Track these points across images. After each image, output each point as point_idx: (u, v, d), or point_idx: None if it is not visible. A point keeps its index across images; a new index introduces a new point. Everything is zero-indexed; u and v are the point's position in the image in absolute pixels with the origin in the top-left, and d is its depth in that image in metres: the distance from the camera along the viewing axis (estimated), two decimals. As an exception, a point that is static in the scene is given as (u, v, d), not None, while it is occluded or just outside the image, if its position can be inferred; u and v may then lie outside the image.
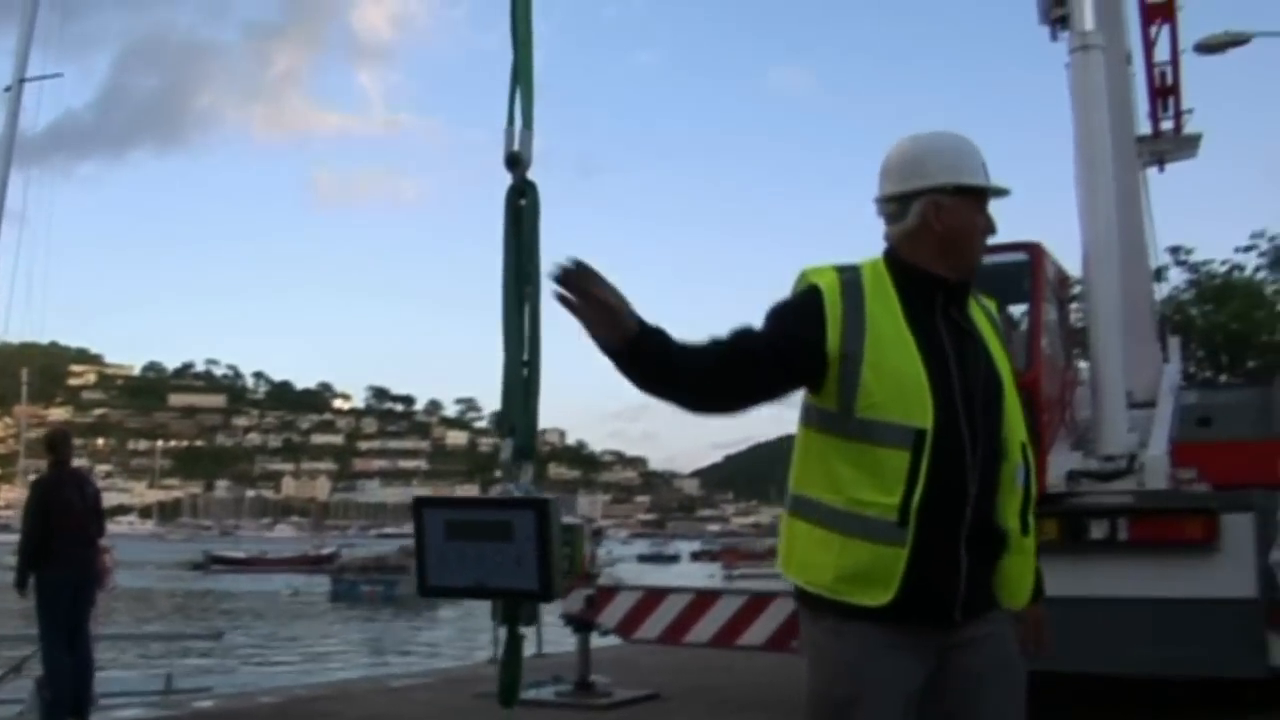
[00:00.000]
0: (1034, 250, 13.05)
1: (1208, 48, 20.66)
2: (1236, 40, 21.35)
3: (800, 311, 3.32)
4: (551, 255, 3.55)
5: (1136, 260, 12.84)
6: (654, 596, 10.31)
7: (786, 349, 3.27)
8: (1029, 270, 12.87)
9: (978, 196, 3.45)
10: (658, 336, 3.12)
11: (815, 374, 3.30)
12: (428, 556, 3.81)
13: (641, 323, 3.09)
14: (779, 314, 3.34)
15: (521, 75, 3.99)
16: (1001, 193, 3.49)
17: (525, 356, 3.88)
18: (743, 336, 3.25)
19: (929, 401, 3.25)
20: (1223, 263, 26.81)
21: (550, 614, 9.85)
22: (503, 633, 3.94)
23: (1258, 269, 26.80)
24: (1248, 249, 26.51)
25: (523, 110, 3.96)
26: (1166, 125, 15.50)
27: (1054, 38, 12.53)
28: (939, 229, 3.39)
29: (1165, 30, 15.13)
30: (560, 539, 3.66)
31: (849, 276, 3.38)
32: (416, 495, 3.93)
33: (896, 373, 3.26)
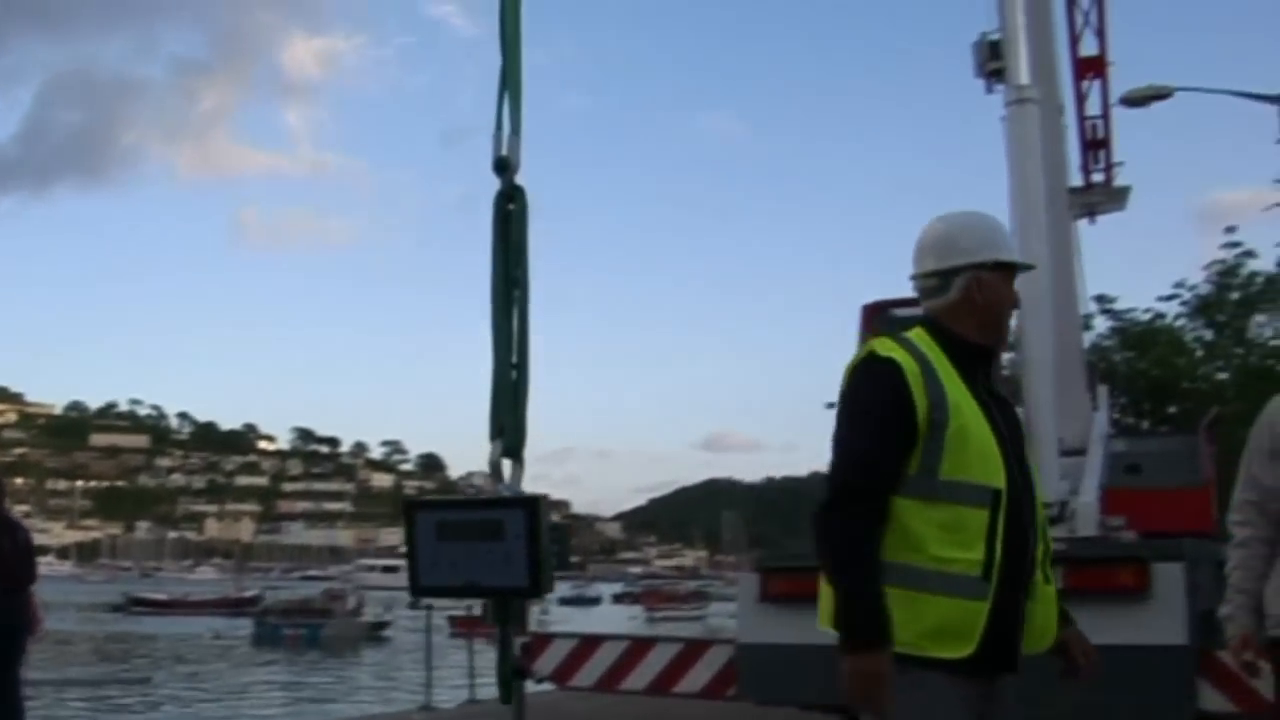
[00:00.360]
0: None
1: (1132, 101, 21.03)
2: (1159, 94, 21.77)
3: (892, 399, 3.50)
4: (537, 261, 3.80)
5: (1068, 310, 13.01)
6: (589, 644, 10.27)
7: (893, 459, 3.48)
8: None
9: (1010, 271, 3.77)
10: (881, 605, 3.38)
11: (911, 449, 3.49)
12: (420, 559, 3.86)
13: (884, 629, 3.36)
14: (870, 411, 3.54)
15: (510, 82, 4.09)
16: (1029, 268, 3.73)
17: (514, 359, 3.96)
18: (860, 489, 3.44)
19: (1000, 462, 3.51)
20: (1145, 311, 27.23)
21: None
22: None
23: (1178, 317, 27.20)
24: (1170, 298, 26.93)
25: (510, 116, 4.07)
26: (1098, 177, 15.78)
27: (989, 90, 12.69)
28: (980, 302, 3.68)
29: (1097, 85, 15.41)
30: (549, 536, 3.73)
31: (916, 350, 3.60)
32: (407, 499, 4.01)
33: (975, 437, 3.49)
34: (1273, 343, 27.15)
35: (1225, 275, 26.41)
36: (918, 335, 3.69)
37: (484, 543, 3.73)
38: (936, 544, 3.43)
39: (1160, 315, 27.05)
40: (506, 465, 3.90)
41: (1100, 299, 26.66)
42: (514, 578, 3.74)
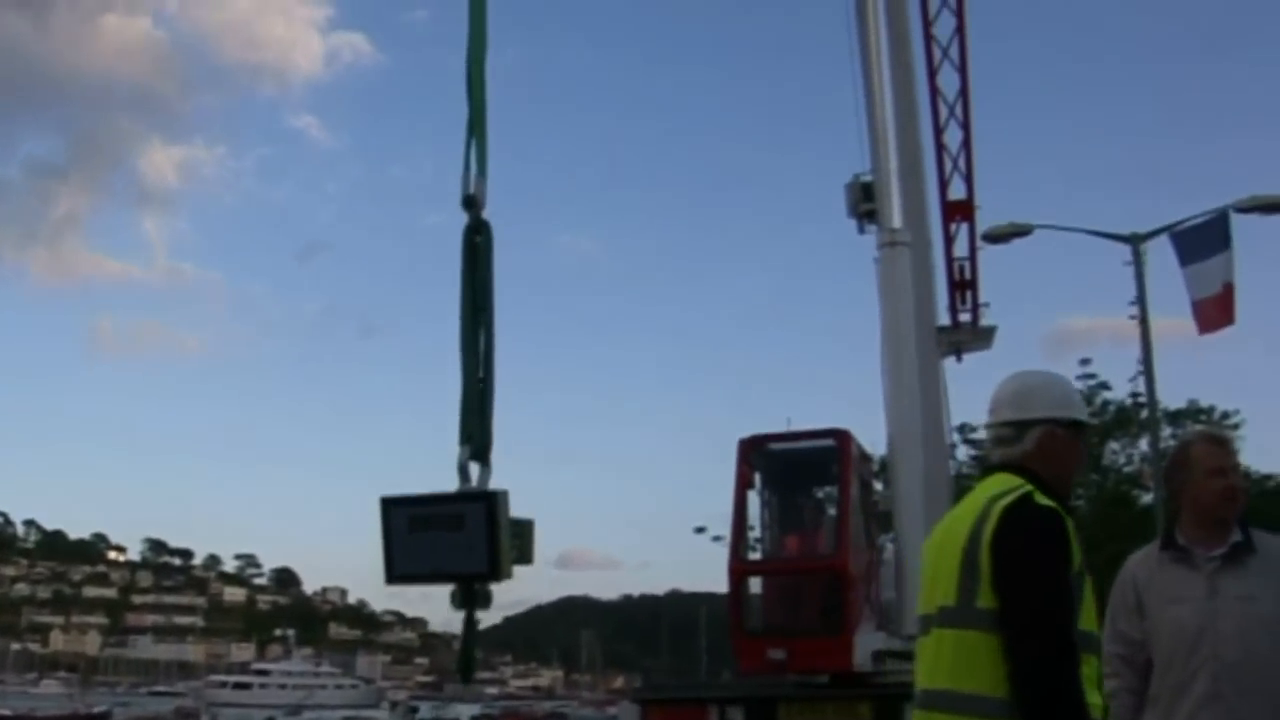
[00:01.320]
0: (841, 437, 13.58)
1: (994, 238, 21.71)
2: (1020, 231, 22.47)
3: (1068, 550, 3.75)
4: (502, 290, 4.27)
5: (937, 446, 13.37)
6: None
7: (1077, 602, 3.74)
8: (837, 456, 13.39)
9: (1080, 431, 4.08)
10: None
11: None
12: (394, 549, 4.16)
13: None
14: (1059, 562, 3.75)
15: (476, 127, 4.39)
16: (1094, 426, 4.09)
17: (480, 374, 4.27)
18: (1065, 633, 3.67)
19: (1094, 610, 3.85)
20: (1004, 441, 27.89)
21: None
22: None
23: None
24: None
25: (477, 158, 4.36)
26: (965, 317, 16.26)
27: (861, 231, 13.12)
28: (1052, 454, 3.98)
29: (964, 228, 15.96)
30: (509, 530, 4.04)
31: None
32: (383, 496, 4.24)
33: (1088, 586, 3.80)
34: (1126, 469, 27.99)
35: (1080, 406, 27.17)
36: (1029, 487, 3.91)
37: (449, 533, 4.06)
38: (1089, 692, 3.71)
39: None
40: (475, 468, 4.16)
41: (962, 429, 27.32)
42: (475, 564, 4.03)
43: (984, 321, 16.28)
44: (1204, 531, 5.06)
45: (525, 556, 4.19)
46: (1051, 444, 4.00)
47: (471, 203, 4.36)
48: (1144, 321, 20.79)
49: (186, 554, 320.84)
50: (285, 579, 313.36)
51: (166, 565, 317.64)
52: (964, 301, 16.22)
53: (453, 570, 4.12)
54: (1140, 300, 20.87)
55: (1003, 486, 3.91)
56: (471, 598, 4.20)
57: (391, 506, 4.20)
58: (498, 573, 4.04)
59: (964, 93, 16.25)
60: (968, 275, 16.12)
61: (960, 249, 16.07)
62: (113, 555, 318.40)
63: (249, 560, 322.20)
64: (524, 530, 4.18)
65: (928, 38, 15.97)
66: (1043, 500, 3.82)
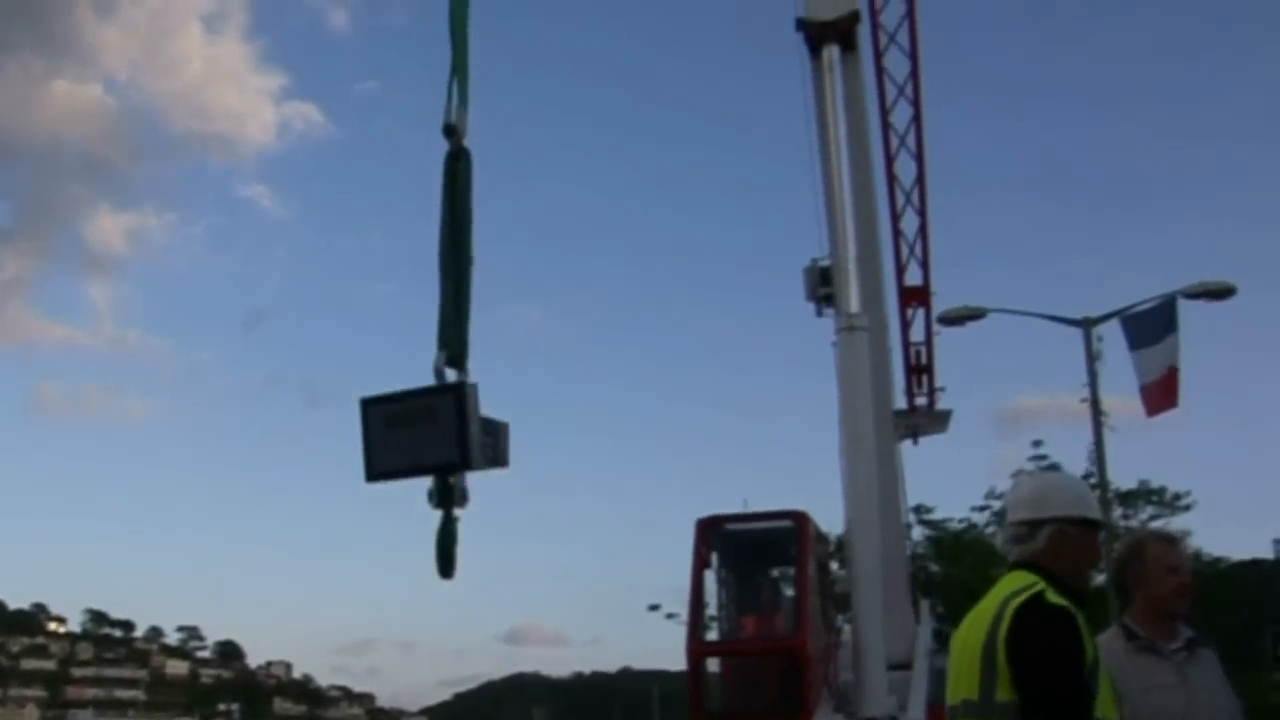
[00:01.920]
0: (799, 519, 13.72)
1: (948, 320, 22.00)
2: (974, 314, 22.79)
3: (1079, 645, 4.02)
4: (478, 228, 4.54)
5: (893, 528, 13.53)
6: None
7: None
8: (795, 537, 13.51)
9: (1093, 528, 4.35)
10: None
11: None
12: (373, 447, 4.40)
13: None
14: (1071, 657, 4.01)
15: (459, 67, 4.75)
16: (1108, 525, 4.31)
17: (456, 289, 4.56)
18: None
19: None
20: (960, 520, 28.14)
21: None
22: None
23: (989, 524, 28.18)
24: (983, 508, 27.89)
25: (459, 92, 4.73)
26: (921, 401, 16.47)
27: (819, 314, 13.32)
28: (1066, 551, 4.23)
29: (921, 313, 16.21)
30: (480, 423, 4.26)
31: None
32: (362, 397, 4.48)
33: (1103, 676, 4.08)
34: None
35: (1032, 486, 27.44)
36: (1042, 583, 4.16)
37: (422, 426, 4.29)
38: None
39: (974, 525, 28.00)
40: (451, 374, 4.42)
41: (917, 509, 27.53)
42: (447, 455, 4.25)
43: (940, 405, 16.51)
44: (1158, 624, 5.28)
45: (500, 458, 4.43)
46: (1063, 542, 4.25)
47: (451, 131, 4.70)
48: (1095, 404, 21.09)
49: (128, 625, 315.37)
50: (229, 652, 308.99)
51: (107, 637, 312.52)
52: (920, 385, 16.46)
53: (427, 462, 4.33)
54: (1091, 383, 21.18)
55: (1017, 585, 4.18)
56: (449, 494, 4.41)
57: (370, 406, 4.43)
58: (468, 460, 4.24)
59: (920, 180, 16.56)
60: (924, 360, 16.36)
61: (916, 334, 16.30)
62: (52, 626, 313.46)
63: (192, 632, 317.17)
64: (498, 430, 4.41)
65: (885, 126, 16.32)
66: (1054, 599, 4.06)
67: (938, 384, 16.37)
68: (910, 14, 16.54)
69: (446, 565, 4.57)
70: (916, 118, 16.55)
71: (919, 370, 16.43)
